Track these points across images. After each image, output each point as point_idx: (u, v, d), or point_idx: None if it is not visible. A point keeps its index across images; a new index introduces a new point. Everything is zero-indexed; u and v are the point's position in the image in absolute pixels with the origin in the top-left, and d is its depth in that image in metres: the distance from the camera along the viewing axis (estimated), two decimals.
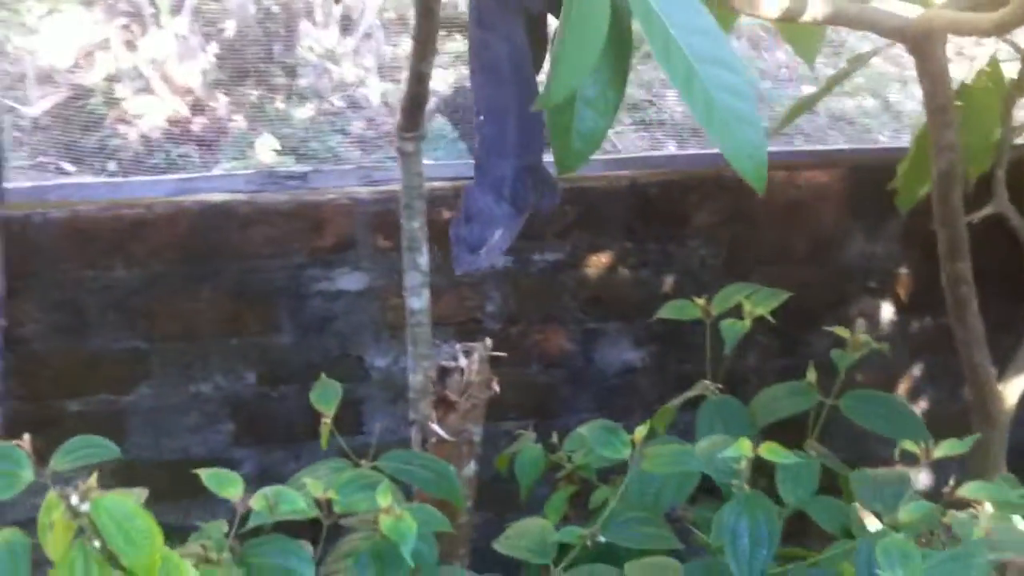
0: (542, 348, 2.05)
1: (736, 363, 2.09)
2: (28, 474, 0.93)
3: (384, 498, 1.08)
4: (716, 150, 2.12)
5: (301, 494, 1.10)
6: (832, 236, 2.09)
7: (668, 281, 2.05)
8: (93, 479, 0.88)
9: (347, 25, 3.17)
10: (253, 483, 1.96)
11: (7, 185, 1.82)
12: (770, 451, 1.14)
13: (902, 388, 2.14)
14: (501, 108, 1.05)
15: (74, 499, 0.85)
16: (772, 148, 2.14)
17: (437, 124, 2.70)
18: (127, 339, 1.88)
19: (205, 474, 1.06)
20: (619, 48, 0.97)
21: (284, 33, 3.00)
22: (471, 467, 1.52)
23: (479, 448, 1.53)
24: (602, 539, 1.27)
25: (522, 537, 1.34)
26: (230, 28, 2.94)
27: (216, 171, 2.62)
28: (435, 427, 1.47)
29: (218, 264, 1.89)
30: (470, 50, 1.07)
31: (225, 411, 1.94)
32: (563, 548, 1.31)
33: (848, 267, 2.09)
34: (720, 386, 1.52)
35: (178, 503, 1.85)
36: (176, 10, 2.92)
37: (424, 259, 1.57)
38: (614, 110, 0.98)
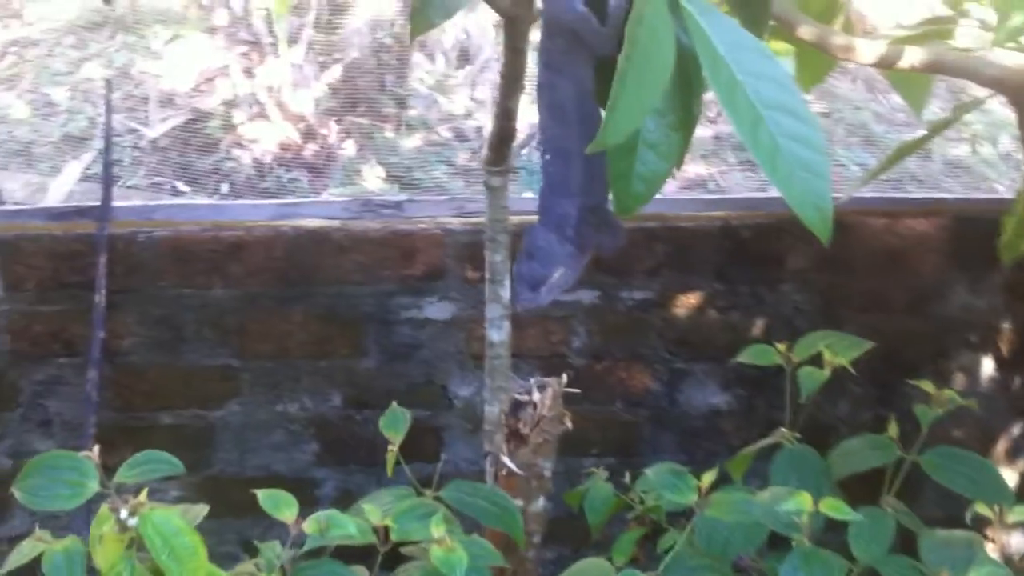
0: (627, 386, 2.03)
1: (827, 412, 2.04)
2: (94, 485, 0.96)
3: (438, 528, 1.08)
4: None
5: (359, 520, 1.11)
6: (933, 287, 2.03)
7: (759, 325, 2.02)
8: (143, 495, 0.90)
9: (463, 57, 3.23)
10: (333, 504, 2.02)
11: (115, 203, 1.89)
12: (832, 507, 1.11)
13: (1001, 446, 2.05)
14: (566, 148, 1.05)
15: (123, 513, 0.87)
16: (872, 194, 2.12)
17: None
18: (220, 356, 1.93)
19: (261, 494, 1.08)
20: (686, 91, 0.97)
21: (397, 64, 3.07)
22: (540, 502, 1.51)
23: (550, 483, 1.52)
24: None
25: None
26: (345, 58, 3.03)
27: (324, 197, 2.69)
28: (505, 460, 1.47)
29: (311, 288, 1.93)
30: (536, 90, 1.08)
31: (310, 431, 1.98)
32: None
33: (948, 319, 2.03)
34: (798, 435, 1.48)
35: (260, 519, 1.88)
36: (294, 40, 3.02)
37: (506, 292, 1.58)
38: (678, 154, 0.98)
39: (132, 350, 1.90)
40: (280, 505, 1.06)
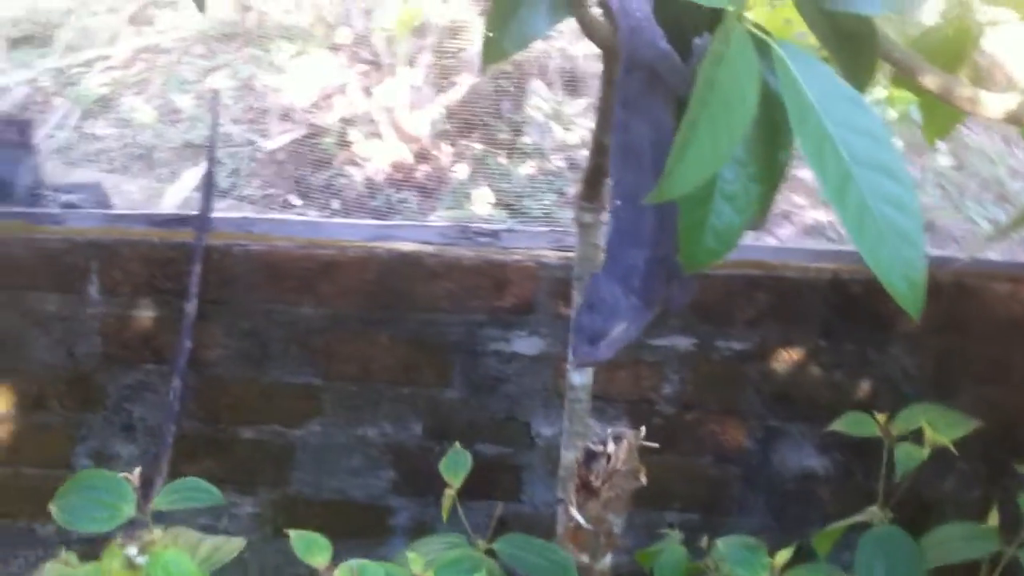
0: (717, 440, 1.94)
1: (930, 488, 1.91)
2: (130, 509, 0.94)
3: None
4: (935, 252, 1.96)
5: (402, 569, 1.06)
6: None
7: (863, 388, 1.91)
8: (156, 532, 0.87)
9: (580, 86, 3.19)
10: (406, 534, 1.98)
11: (216, 214, 1.90)
12: None
13: None
14: (637, 195, 0.99)
15: (132, 550, 0.84)
16: (996, 257, 1.99)
17: None
18: (305, 375, 1.92)
19: (294, 536, 1.04)
20: (771, 140, 0.89)
21: (514, 90, 3.03)
22: (608, 560, 1.44)
23: (619, 540, 1.45)
24: None
25: None
26: (462, 82, 3.01)
27: (432, 219, 2.67)
28: (574, 512, 1.41)
29: (400, 312, 1.90)
30: (612, 131, 1.02)
31: (388, 458, 1.95)
32: None
33: None
34: (891, 514, 1.38)
35: (335, 542, 1.86)
36: (413, 61, 3.02)
37: None
38: (759, 207, 0.90)
39: (218, 362, 1.90)
40: (312, 549, 1.02)
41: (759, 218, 1.01)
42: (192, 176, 2.79)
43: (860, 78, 1.04)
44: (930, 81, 1.31)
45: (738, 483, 1.95)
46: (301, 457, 1.94)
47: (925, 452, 1.33)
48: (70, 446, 1.92)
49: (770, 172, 0.90)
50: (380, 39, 3.00)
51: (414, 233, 1.97)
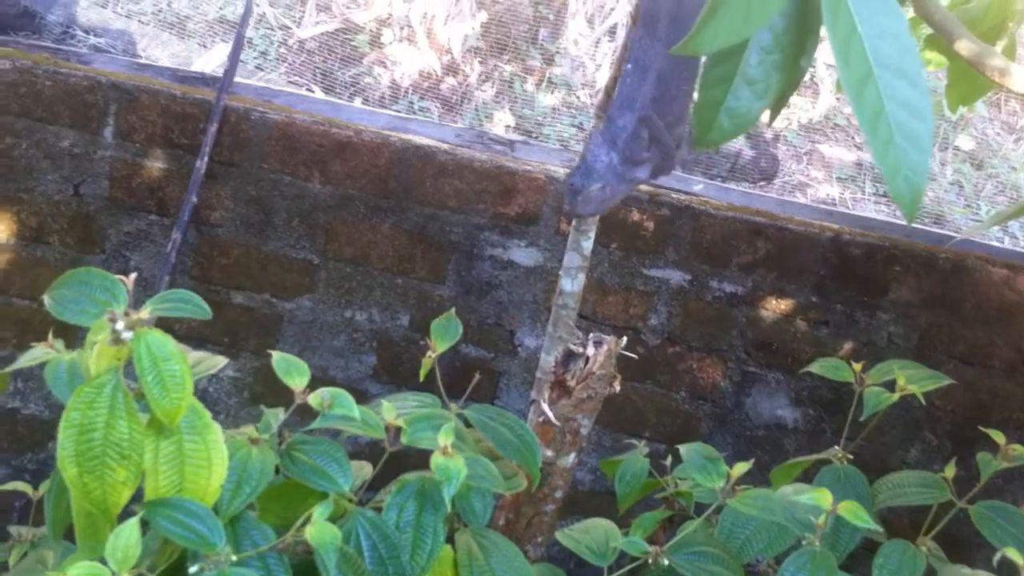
0: (695, 377, 1.97)
1: (896, 455, 1.95)
2: (120, 309, 0.95)
3: (445, 436, 1.06)
4: (937, 230, 1.97)
5: (372, 413, 1.09)
6: None
7: (846, 347, 1.93)
8: (145, 312, 0.89)
9: (616, 29, 3.18)
10: None
11: (239, 80, 1.91)
12: (850, 511, 1.04)
13: None
14: (647, 62, 1.03)
15: (119, 324, 0.86)
16: (999, 244, 2.00)
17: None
18: (303, 250, 1.94)
19: (276, 356, 1.07)
20: (801, 33, 0.91)
21: (553, 19, 3.03)
22: (570, 458, 1.47)
23: (585, 442, 1.48)
24: (665, 561, 1.20)
25: (587, 533, 1.29)
26: (504, 1, 3.01)
27: None
28: (544, 407, 1.44)
29: (406, 203, 1.92)
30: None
31: (372, 344, 1.97)
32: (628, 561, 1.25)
33: None
34: (851, 456, 1.40)
35: (306, 417, 1.89)
36: None
37: (589, 243, 1.54)
38: (777, 96, 0.92)
39: (221, 223, 1.92)
40: (292, 371, 1.05)
41: (775, 112, 1.03)
42: (221, 51, 2.80)
43: None
44: (964, 47, 1.32)
45: (709, 421, 1.98)
46: (288, 330, 1.97)
47: (894, 397, 1.36)
48: None
49: (793, 64, 0.92)
50: None
51: (431, 130, 1.98)
